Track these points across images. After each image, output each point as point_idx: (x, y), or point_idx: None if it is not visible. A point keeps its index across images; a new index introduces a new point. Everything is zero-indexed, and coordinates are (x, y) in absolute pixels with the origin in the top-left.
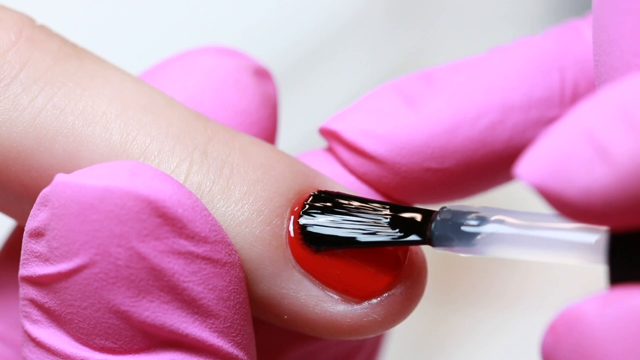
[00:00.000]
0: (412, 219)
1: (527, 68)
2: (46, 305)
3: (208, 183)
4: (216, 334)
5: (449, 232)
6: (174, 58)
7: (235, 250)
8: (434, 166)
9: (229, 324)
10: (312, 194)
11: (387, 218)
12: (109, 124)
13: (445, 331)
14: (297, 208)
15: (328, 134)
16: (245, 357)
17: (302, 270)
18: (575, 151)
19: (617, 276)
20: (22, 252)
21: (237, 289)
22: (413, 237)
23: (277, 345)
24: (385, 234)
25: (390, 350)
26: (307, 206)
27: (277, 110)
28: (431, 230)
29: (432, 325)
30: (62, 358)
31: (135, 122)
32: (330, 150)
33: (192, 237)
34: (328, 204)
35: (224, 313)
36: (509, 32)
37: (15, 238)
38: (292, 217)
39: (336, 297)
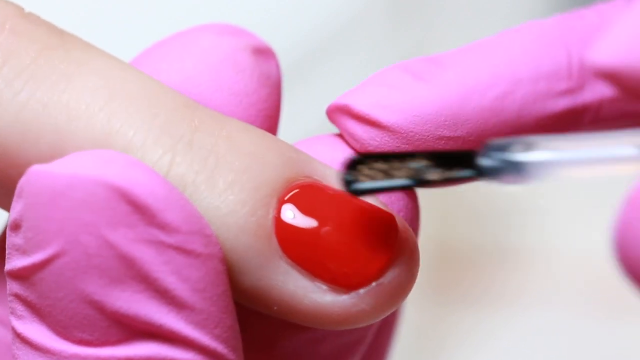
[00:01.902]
0: (458, 157)
1: (532, 45)
2: (28, 299)
3: (192, 174)
4: (192, 326)
5: (498, 163)
6: (172, 37)
7: (215, 242)
8: (447, 134)
9: (205, 316)
10: (352, 157)
11: (432, 161)
12: (92, 117)
13: (445, 331)
14: (286, 197)
15: (338, 109)
16: (225, 350)
17: (289, 261)
18: None
19: None
20: (6, 246)
21: (214, 280)
22: (464, 172)
23: (272, 334)
24: (434, 172)
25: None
26: (349, 169)
27: (280, 90)
28: (479, 163)
29: (432, 325)
30: (44, 352)
31: (120, 114)
32: (335, 135)
33: (163, 226)
34: (366, 162)
35: (199, 305)
36: None
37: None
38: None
39: (324, 287)
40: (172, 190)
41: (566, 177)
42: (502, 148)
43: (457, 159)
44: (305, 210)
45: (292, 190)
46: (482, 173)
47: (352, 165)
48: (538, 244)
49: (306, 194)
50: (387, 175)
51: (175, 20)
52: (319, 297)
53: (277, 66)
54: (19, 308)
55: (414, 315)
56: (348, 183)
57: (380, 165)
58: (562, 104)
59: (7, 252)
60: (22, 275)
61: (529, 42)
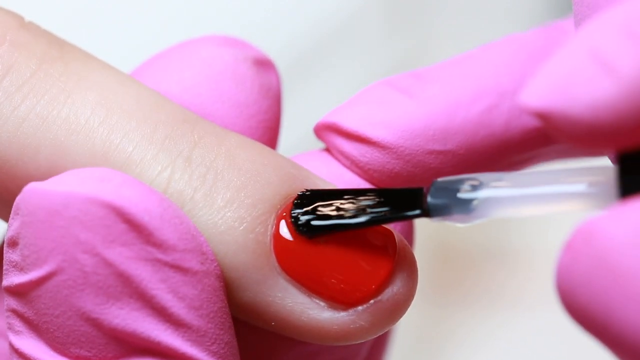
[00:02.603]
0: (407, 196)
1: (515, 58)
2: (25, 315)
3: (190, 191)
4: (189, 343)
5: (445, 202)
6: (172, 49)
7: (212, 259)
8: (437, 148)
9: (202, 333)
10: (298, 193)
11: (381, 199)
12: (91, 132)
13: (444, 333)
14: (284, 213)
15: (326, 128)
16: None
17: (288, 277)
18: (580, 69)
19: (627, 190)
20: (4, 262)
21: (210, 297)
22: (411, 212)
23: (268, 348)
24: (382, 212)
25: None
26: (295, 204)
27: (280, 101)
28: (427, 202)
29: (431, 327)
30: None
31: (119, 129)
32: (327, 150)
33: (159, 244)
34: (317, 200)
35: (196, 322)
36: (508, 33)
37: None
38: (282, 221)
39: (322, 304)
40: (167, 208)
41: (514, 215)
42: (449, 187)
43: (406, 196)
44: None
45: (290, 205)
46: (430, 211)
47: (303, 203)
48: (538, 244)
49: None
50: (340, 213)
51: (173, 21)
52: (317, 313)
53: (278, 78)
54: (17, 324)
55: (414, 316)
56: (299, 221)
57: (333, 202)
58: None
59: (4, 267)
60: (19, 292)
61: (511, 55)
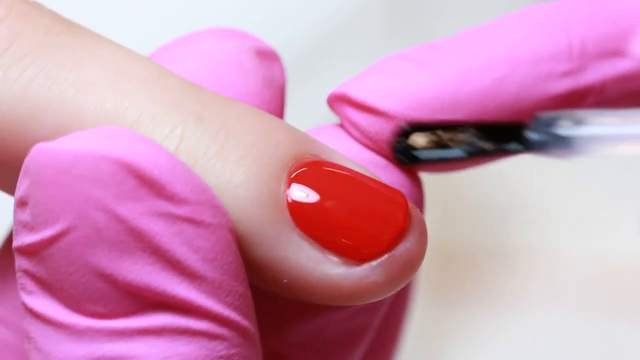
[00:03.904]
0: (507, 130)
1: (531, 28)
2: (37, 275)
3: (203, 147)
4: (205, 295)
5: (546, 137)
6: (176, 41)
7: (224, 212)
8: (446, 118)
9: (217, 285)
10: (403, 125)
11: (480, 132)
12: (101, 93)
13: (444, 333)
14: (294, 175)
15: (337, 98)
16: (238, 318)
17: (301, 233)
18: None
19: None
20: (14, 222)
21: (224, 249)
22: (512, 146)
23: (278, 322)
24: (482, 145)
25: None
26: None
27: (284, 92)
28: (528, 137)
29: (431, 327)
30: (57, 326)
31: (129, 91)
32: (339, 125)
33: (171, 198)
34: (415, 131)
35: (210, 274)
36: None
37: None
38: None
39: (335, 259)
40: (177, 162)
41: (613, 153)
42: (551, 122)
43: (506, 131)
44: (315, 186)
45: (301, 168)
46: (530, 147)
47: (404, 134)
48: (538, 244)
49: (315, 170)
50: (439, 145)
51: (173, 21)
52: (330, 268)
53: (282, 69)
54: (29, 284)
55: (414, 315)
56: (402, 151)
57: (431, 135)
58: (564, 85)
59: (14, 227)
60: (31, 251)
61: (528, 26)
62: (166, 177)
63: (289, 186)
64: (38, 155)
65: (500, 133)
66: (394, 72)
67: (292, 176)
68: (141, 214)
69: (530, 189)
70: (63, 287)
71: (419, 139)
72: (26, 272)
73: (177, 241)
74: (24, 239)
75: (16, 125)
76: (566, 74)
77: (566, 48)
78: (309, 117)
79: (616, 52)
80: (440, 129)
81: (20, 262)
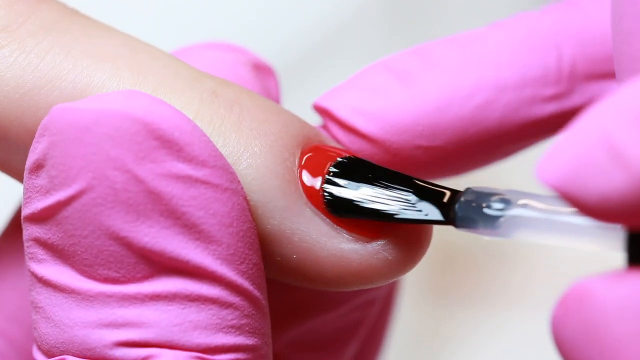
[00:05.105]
0: (436, 198)
1: (522, 45)
2: (50, 241)
3: (219, 118)
4: (219, 261)
5: (472, 214)
6: (175, 53)
7: (238, 179)
8: (424, 144)
9: (232, 251)
10: (338, 159)
11: (410, 194)
12: (119, 63)
13: (444, 333)
14: (306, 152)
15: (321, 111)
16: (250, 287)
17: (314, 208)
18: (591, 156)
19: (634, 260)
20: (24, 193)
21: (239, 216)
22: (436, 217)
23: (274, 325)
24: (409, 211)
25: (390, 352)
26: (330, 171)
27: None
28: (455, 211)
29: (431, 327)
30: (68, 293)
31: (146, 64)
32: (324, 127)
33: (190, 160)
34: (351, 171)
35: (226, 240)
36: None
37: (12, 228)
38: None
39: (346, 235)
40: (195, 126)
41: (539, 242)
42: (479, 199)
43: (436, 198)
44: (316, 171)
45: (311, 151)
46: (456, 222)
47: (344, 172)
48: (538, 244)
49: (322, 153)
50: (370, 198)
51: (173, 21)
52: (341, 243)
53: (277, 84)
54: (39, 252)
55: (414, 315)
56: (334, 201)
57: (365, 185)
58: (549, 109)
59: (25, 196)
60: (44, 217)
61: (519, 41)
62: (185, 139)
63: (301, 162)
64: (59, 114)
65: (431, 198)
66: (377, 88)
67: (304, 150)
68: (160, 175)
69: (530, 189)
70: (76, 251)
71: (353, 194)
72: (37, 240)
73: (195, 204)
74: (37, 205)
75: (30, 93)
76: (552, 97)
77: (555, 69)
78: (309, 117)
79: (605, 75)
80: (375, 181)
81: (31, 231)
